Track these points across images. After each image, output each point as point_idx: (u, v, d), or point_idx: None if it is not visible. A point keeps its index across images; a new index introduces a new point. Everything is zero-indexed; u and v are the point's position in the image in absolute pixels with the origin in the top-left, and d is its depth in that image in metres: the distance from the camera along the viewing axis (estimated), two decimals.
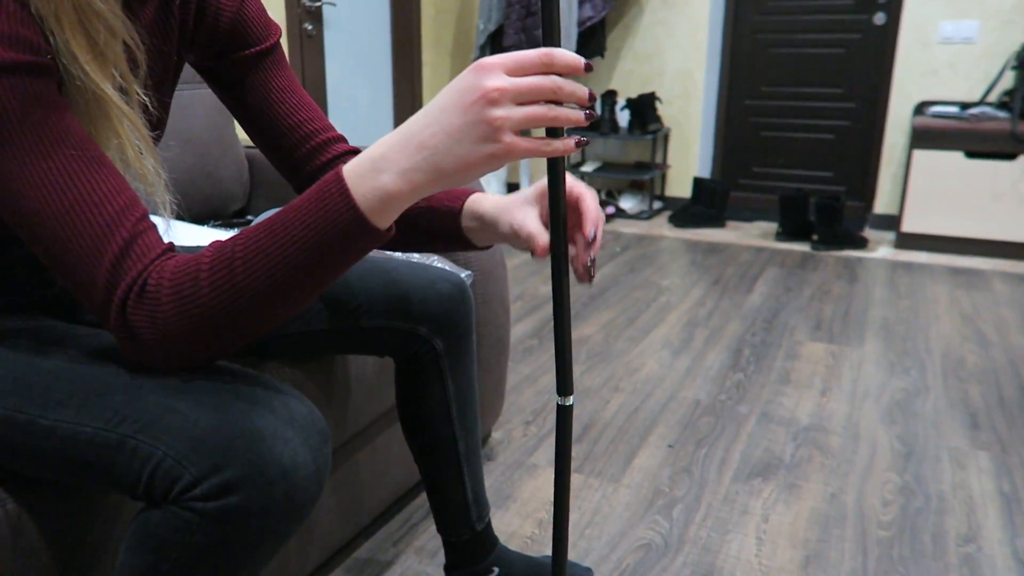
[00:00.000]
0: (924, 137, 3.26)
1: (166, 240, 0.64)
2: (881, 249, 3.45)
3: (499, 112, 0.57)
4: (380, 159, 0.59)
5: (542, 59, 0.58)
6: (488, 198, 0.84)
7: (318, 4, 3.23)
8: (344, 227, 0.59)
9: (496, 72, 0.57)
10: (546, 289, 2.85)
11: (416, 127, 0.59)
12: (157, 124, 0.79)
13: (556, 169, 0.64)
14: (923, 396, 1.95)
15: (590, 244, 0.74)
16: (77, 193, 0.60)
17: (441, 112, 0.58)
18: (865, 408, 1.88)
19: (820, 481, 1.55)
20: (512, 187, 4.53)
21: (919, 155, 3.29)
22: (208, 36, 0.83)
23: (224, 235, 1.47)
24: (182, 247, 0.94)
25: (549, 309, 2.61)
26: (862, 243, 3.43)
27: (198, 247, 0.97)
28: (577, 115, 0.60)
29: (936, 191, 3.30)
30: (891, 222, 3.74)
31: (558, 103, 0.59)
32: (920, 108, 3.55)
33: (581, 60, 0.59)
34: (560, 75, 0.59)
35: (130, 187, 0.63)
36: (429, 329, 1.03)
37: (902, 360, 2.19)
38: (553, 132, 0.61)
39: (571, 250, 0.76)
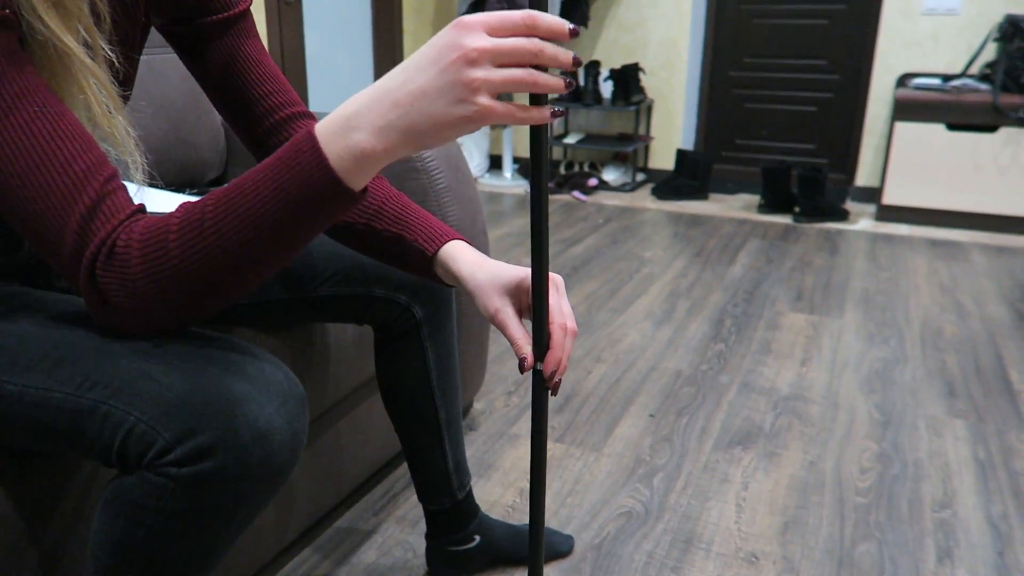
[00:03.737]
0: (906, 109, 3.27)
1: (136, 201, 0.62)
2: (862, 221, 3.47)
3: (478, 73, 0.55)
4: (353, 116, 0.57)
5: (525, 20, 0.56)
6: (463, 257, 0.82)
7: None
8: (316, 187, 0.57)
9: (477, 31, 0.55)
10: (528, 260, 2.84)
11: (392, 84, 0.57)
12: (125, 81, 0.77)
13: (539, 139, 0.63)
14: (901, 366, 1.97)
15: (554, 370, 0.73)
16: (41, 152, 0.58)
17: (418, 70, 0.56)
18: (844, 377, 1.90)
19: (799, 449, 1.56)
20: (494, 159, 4.49)
21: (901, 127, 3.29)
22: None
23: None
24: (159, 213, 0.91)
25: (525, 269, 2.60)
26: (843, 215, 3.44)
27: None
28: (557, 82, 0.58)
29: (917, 163, 3.31)
30: (872, 194, 3.75)
31: (540, 68, 0.57)
32: (903, 80, 3.55)
33: (566, 24, 0.57)
34: (543, 39, 0.57)
35: (97, 146, 0.61)
36: (408, 296, 1.02)
37: (881, 330, 2.20)
38: (536, 99, 0.59)
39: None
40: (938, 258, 2.94)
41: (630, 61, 4.07)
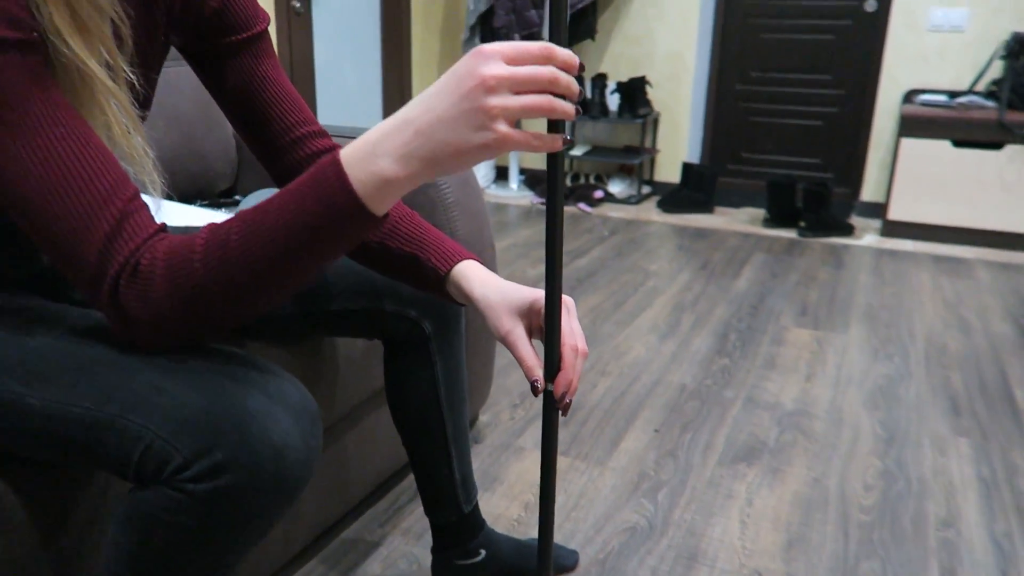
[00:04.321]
0: (912, 125, 3.28)
1: (157, 220, 0.63)
2: (867, 236, 3.47)
3: (495, 100, 0.56)
4: (377, 143, 0.59)
5: (543, 52, 0.58)
6: (475, 277, 0.83)
7: None
8: (340, 211, 0.58)
9: (495, 60, 0.57)
10: (534, 271, 2.85)
11: (413, 112, 0.59)
12: (144, 102, 0.78)
13: (555, 165, 0.64)
14: (906, 382, 1.98)
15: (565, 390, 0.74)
16: (66, 171, 0.59)
17: (438, 98, 0.58)
18: (849, 393, 1.90)
19: (803, 465, 1.57)
20: (501, 170, 4.51)
21: (907, 143, 3.30)
22: (195, 18, 0.81)
23: (211, 215, 1.46)
24: (171, 227, 0.93)
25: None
26: (849, 230, 3.45)
27: (187, 228, 0.96)
28: (570, 108, 0.60)
29: (923, 179, 3.32)
30: (878, 210, 3.76)
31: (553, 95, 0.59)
32: (909, 96, 3.56)
33: (576, 59, 0.60)
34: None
35: (119, 165, 0.62)
36: (418, 311, 1.03)
37: (885, 346, 2.21)
38: (554, 126, 0.61)
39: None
40: (943, 274, 2.94)
41: (637, 74, 4.09)
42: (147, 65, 0.77)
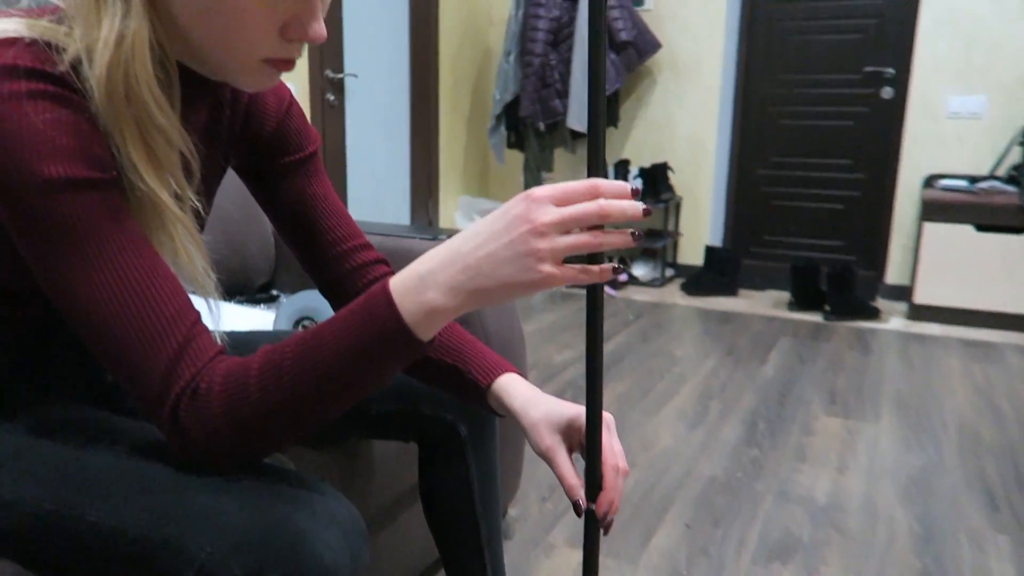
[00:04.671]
0: (934, 210, 3.30)
1: (213, 325, 0.67)
2: (893, 320, 3.46)
3: (543, 244, 0.59)
4: (427, 275, 0.62)
5: (589, 189, 0.61)
6: (516, 392, 0.85)
7: (340, 76, 3.33)
8: (390, 339, 0.61)
9: (545, 204, 0.60)
10: (560, 357, 2.87)
11: (464, 248, 0.62)
12: (203, 224, 0.83)
13: (594, 294, 0.67)
14: (940, 474, 1.94)
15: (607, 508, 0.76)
16: (136, 298, 0.63)
17: (489, 237, 0.61)
18: (882, 486, 1.87)
19: (839, 565, 1.54)
20: None
21: (930, 227, 3.32)
22: (252, 141, 0.87)
23: (250, 312, 1.50)
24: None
25: (565, 377, 2.63)
26: (874, 314, 3.44)
27: (230, 332, 1.00)
28: (623, 238, 0.62)
29: (948, 263, 3.33)
30: (903, 293, 3.75)
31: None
32: (929, 181, 3.60)
33: (627, 187, 0.62)
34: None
35: (184, 290, 0.66)
36: (454, 414, 1.05)
37: (918, 435, 2.18)
38: (596, 256, 0.63)
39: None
40: (972, 359, 2.91)
41: (659, 159, 4.18)
42: (209, 191, 0.82)
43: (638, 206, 0.62)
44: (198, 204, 0.73)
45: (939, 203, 3.30)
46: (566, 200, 0.61)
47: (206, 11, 0.64)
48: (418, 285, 0.62)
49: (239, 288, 1.63)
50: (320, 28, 0.67)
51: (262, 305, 1.58)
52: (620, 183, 0.62)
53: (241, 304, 1.56)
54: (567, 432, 0.81)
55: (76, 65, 0.62)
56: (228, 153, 0.86)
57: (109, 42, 0.61)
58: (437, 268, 0.62)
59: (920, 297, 3.40)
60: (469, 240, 0.62)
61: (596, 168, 0.64)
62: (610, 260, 0.66)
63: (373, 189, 3.75)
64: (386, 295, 0.62)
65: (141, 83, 0.63)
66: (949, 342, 3.14)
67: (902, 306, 3.68)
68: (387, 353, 0.62)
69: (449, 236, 1.52)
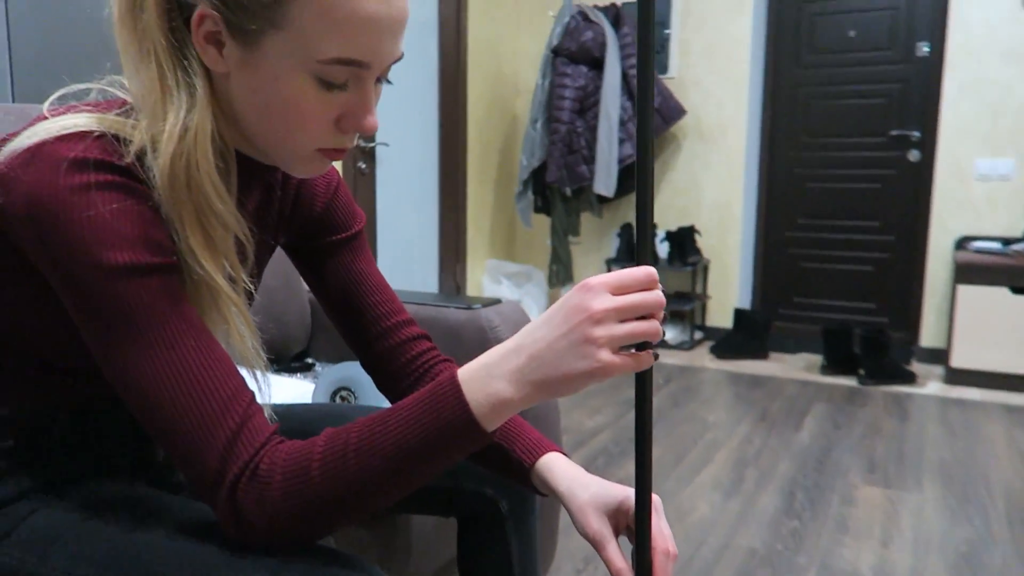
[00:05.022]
0: (968, 272, 3.27)
1: (264, 400, 0.68)
2: (930, 384, 3.39)
3: (601, 332, 0.61)
4: (494, 366, 0.63)
5: (647, 277, 0.63)
6: (561, 472, 0.84)
7: (372, 145, 3.41)
8: (456, 429, 0.62)
9: (601, 292, 0.62)
10: (591, 423, 2.84)
11: (528, 340, 0.64)
12: (252, 303, 0.84)
13: (644, 380, 0.68)
14: (989, 547, 1.87)
15: None
16: (193, 381, 0.64)
17: (550, 328, 0.63)
18: (930, 561, 1.81)
19: None
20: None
21: (964, 290, 3.28)
22: (301, 221, 0.89)
23: (286, 381, 1.51)
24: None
25: (596, 443, 2.59)
26: (910, 378, 3.38)
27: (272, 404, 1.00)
28: (659, 328, 0.64)
29: (984, 326, 3.27)
30: (939, 356, 3.69)
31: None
32: (961, 243, 3.57)
33: (656, 273, 0.65)
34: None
35: (238, 372, 0.67)
36: (495, 489, 1.04)
37: (963, 506, 2.11)
38: (642, 344, 0.65)
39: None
40: (1016, 425, 2.84)
41: (685, 223, 4.20)
42: (259, 271, 0.84)
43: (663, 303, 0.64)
44: (250, 286, 0.74)
45: (973, 265, 3.26)
46: (622, 288, 0.62)
47: (266, 105, 0.66)
48: (485, 376, 0.63)
49: (275, 356, 1.65)
50: (373, 121, 0.69)
51: (298, 374, 1.59)
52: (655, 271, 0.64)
53: (278, 373, 1.57)
54: (614, 515, 0.80)
55: (141, 155, 0.65)
56: (278, 233, 0.88)
57: (174, 134, 0.64)
58: (502, 359, 0.64)
59: (957, 360, 3.34)
60: (532, 332, 0.64)
61: (644, 252, 0.64)
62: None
63: (402, 253, 3.79)
64: (454, 385, 0.63)
65: (202, 172, 0.65)
66: (990, 407, 3.06)
67: (938, 370, 3.61)
68: (452, 443, 0.63)
69: (485, 304, 1.53)
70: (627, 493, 0.80)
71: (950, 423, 2.86)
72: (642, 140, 0.64)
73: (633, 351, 0.64)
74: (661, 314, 0.64)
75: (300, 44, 0.63)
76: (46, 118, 0.66)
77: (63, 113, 0.66)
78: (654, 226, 3.55)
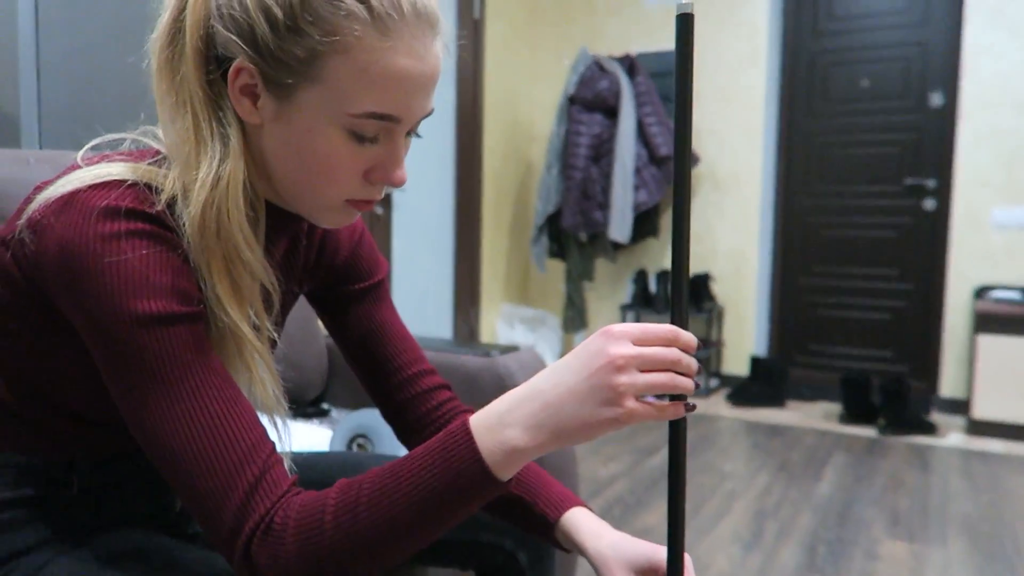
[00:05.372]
0: (989, 322, 3.23)
1: (282, 447, 0.67)
2: (952, 435, 3.33)
3: (623, 379, 0.60)
4: (507, 413, 0.62)
5: (668, 334, 0.62)
6: (585, 528, 0.82)
7: (388, 191, 3.45)
8: (468, 478, 0.61)
9: (624, 340, 0.61)
10: (606, 471, 2.79)
11: (544, 385, 0.62)
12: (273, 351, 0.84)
13: (677, 433, 0.66)
14: None
15: None
16: (214, 431, 0.63)
17: (568, 373, 0.61)
18: None
19: None
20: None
21: (985, 340, 3.24)
22: (325, 270, 0.89)
23: (303, 427, 1.50)
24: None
25: (612, 492, 2.55)
26: (931, 429, 3.32)
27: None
28: (690, 384, 0.63)
29: (1007, 377, 3.22)
30: (959, 406, 3.63)
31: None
32: (980, 292, 3.54)
33: (695, 340, 0.64)
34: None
35: (260, 422, 0.66)
36: (514, 542, 1.02)
37: (991, 564, 2.05)
38: (676, 395, 0.64)
39: None
40: None
41: (700, 269, 4.19)
42: (283, 320, 0.84)
43: (696, 363, 0.63)
44: (274, 334, 0.74)
45: (994, 315, 3.23)
46: (643, 340, 0.61)
47: (298, 157, 0.67)
48: (497, 423, 0.62)
49: (293, 401, 1.64)
50: (402, 174, 0.70)
51: (315, 420, 1.58)
52: (691, 336, 0.63)
53: (294, 419, 1.56)
54: (641, 573, 0.78)
55: (171, 203, 0.65)
56: (302, 281, 0.88)
57: (206, 182, 0.65)
58: (516, 406, 0.62)
59: (979, 412, 3.28)
60: (549, 377, 0.62)
61: (680, 317, 0.64)
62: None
63: (416, 298, 3.80)
64: (466, 433, 0.62)
65: (232, 221, 0.66)
66: (1014, 460, 3.00)
67: (959, 420, 3.55)
68: (464, 493, 0.61)
69: (502, 351, 1.52)
70: (655, 550, 0.78)
71: (973, 476, 2.80)
72: (679, 209, 0.64)
73: (652, 399, 0.63)
74: (687, 371, 0.62)
75: (334, 98, 0.64)
76: (80, 167, 0.67)
77: (97, 162, 0.67)
78: (667, 273, 3.54)
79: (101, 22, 1.73)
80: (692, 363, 0.63)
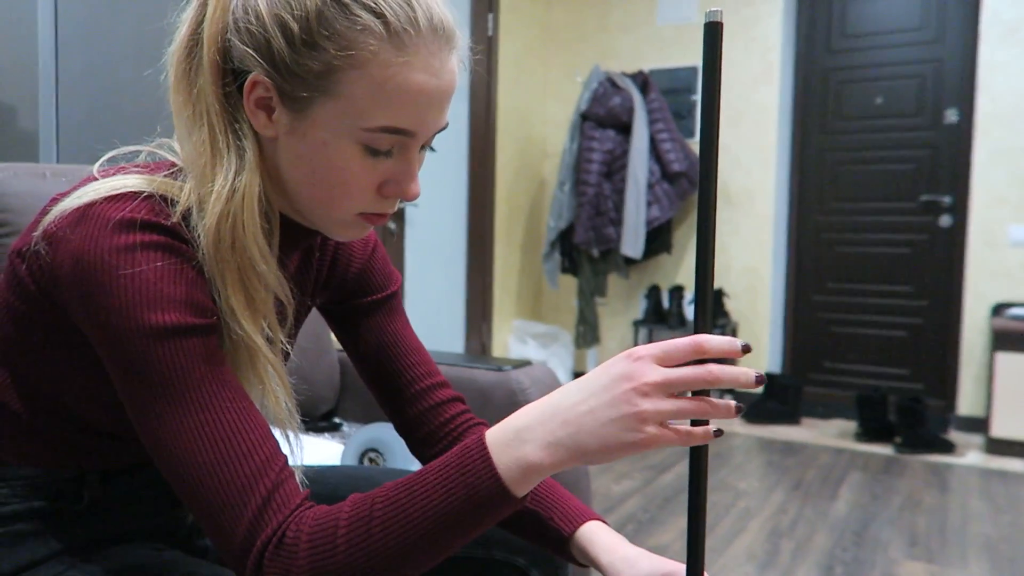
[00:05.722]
0: (1007, 339, 3.20)
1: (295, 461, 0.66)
2: (970, 454, 3.29)
3: (648, 405, 0.58)
4: (524, 430, 0.61)
5: (693, 347, 0.59)
6: (601, 542, 0.80)
7: (402, 206, 3.46)
8: (483, 494, 0.60)
9: (648, 363, 0.59)
10: (619, 488, 2.77)
11: (564, 403, 0.61)
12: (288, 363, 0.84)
13: (699, 456, 0.64)
14: None
15: None
16: (227, 445, 0.63)
17: (590, 394, 0.60)
18: None
19: None
20: (579, 376, 4.53)
21: (1003, 358, 3.20)
22: (338, 283, 0.89)
23: (314, 441, 1.50)
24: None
25: (623, 510, 2.53)
26: (949, 447, 3.28)
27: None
28: (728, 407, 0.60)
29: None
30: (977, 425, 3.58)
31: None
32: (998, 309, 3.50)
33: (737, 344, 0.60)
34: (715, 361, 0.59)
35: (272, 435, 0.66)
36: (527, 559, 1.00)
37: None
38: (698, 420, 0.61)
39: None
40: None
41: (713, 286, 4.17)
42: (296, 333, 0.84)
43: (750, 374, 0.59)
44: (288, 347, 0.74)
45: (1011, 333, 3.19)
46: (668, 360, 0.59)
47: (312, 170, 0.67)
48: (515, 439, 0.60)
49: (304, 415, 1.64)
50: (416, 188, 0.69)
51: (326, 434, 1.58)
52: (728, 340, 0.59)
53: (306, 433, 1.56)
54: None
55: (186, 215, 0.65)
56: (315, 293, 0.88)
57: (222, 194, 0.65)
58: (535, 423, 0.61)
59: (998, 430, 3.24)
60: (569, 395, 0.61)
61: (705, 323, 0.61)
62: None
63: (429, 313, 3.80)
64: (482, 449, 0.61)
65: (247, 233, 0.66)
66: None
67: (978, 439, 3.50)
68: (479, 509, 0.60)
69: (515, 366, 1.51)
70: (672, 567, 0.76)
71: (993, 496, 2.76)
72: (704, 213, 0.61)
73: (676, 424, 0.61)
74: (719, 384, 0.59)
75: (349, 112, 0.64)
76: (96, 179, 0.67)
77: (113, 174, 0.68)
78: (680, 288, 3.52)
79: (119, 39, 1.75)
80: (739, 375, 0.58)
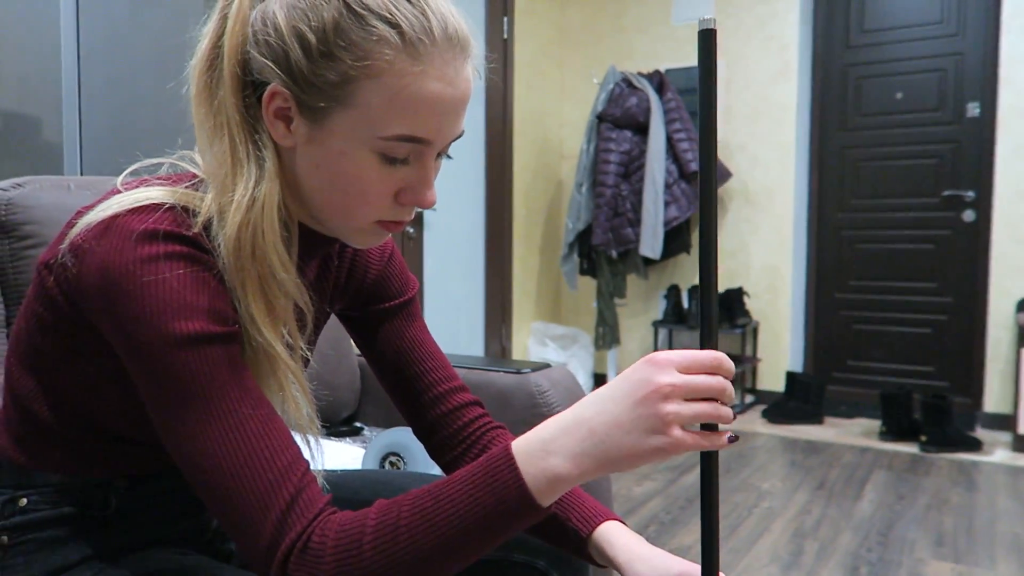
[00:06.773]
0: None
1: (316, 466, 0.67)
2: (997, 452, 3.24)
3: (670, 408, 0.59)
4: (550, 441, 0.62)
5: (713, 361, 0.62)
6: (619, 542, 0.81)
7: (419, 210, 3.48)
8: (510, 505, 0.61)
9: (669, 369, 0.61)
10: (640, 489, 2.77)
11: (588, 413, 0.62)
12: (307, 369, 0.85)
13: (709, 463, 0.66)
14: None
15: None
16: (250, 451, 0.64)
17: (613, 402, 0.61)
18: None
19: None
20: (599, 377, 4.53)
21: None
22: (355, 289, 0.90)
23: (335, 446, 1.51)
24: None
25: (645, 512, 2.52)
26: (975, 445, 3.24)
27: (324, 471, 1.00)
28: (730, 413, 0.63)
29: None
30: (1005, 422, 3.53)
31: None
32: (1023, 305, 3.46)
33: (733, 367, 0.64)
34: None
35: (294, 441, 0.67)
36: (547, 561, 1.00)
37: None
38: (709, 426, 0.63)
39: None
40: None
41: (733, 285, 4.15)
42: (315, 339, 0.85)
43: (733, 393, 0.63)
44: (308, 354, 0.75)
45: None
46: (688, 368, 0.61)
47: (329, 178, 0.68)
48: (541, 451, 0.62)
49: (325, 420, 1.65)
50: (432, 195, 0.70)
51: (347, 439, 1.59)
52: (731, 362, 0.63)
53: (327, 438, 1.57)
54: None
55: (207, 225, 0.67)
56: (334, 300, 0.89)
57: (242, 204, 0.66)
58: (560, 434, 0.62)
59: None
60: (592, 405, 0.62)
61: (711, 338, 0.64)
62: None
63: (448, 316, 3.81)
64: (509, 460, 0.62)
65: (267, 241, 0.67)
66: None
67: (1005, 436, 3.45)
68: (505, 519, 0.61)
69: (534, 369, 1.52)
70: (689, 567, 0.77)
71: (1021, 494, 2.72)
72: (705, 231, 0.63)
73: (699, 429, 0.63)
74: (729, 401, 0.62)
75: (365, 122, 0.65)
76: (119, 191, 0.68)
77: (136, 187, 0.69)
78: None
79: (140, 52, 1.78)
80: (732, 391, 0.63)
